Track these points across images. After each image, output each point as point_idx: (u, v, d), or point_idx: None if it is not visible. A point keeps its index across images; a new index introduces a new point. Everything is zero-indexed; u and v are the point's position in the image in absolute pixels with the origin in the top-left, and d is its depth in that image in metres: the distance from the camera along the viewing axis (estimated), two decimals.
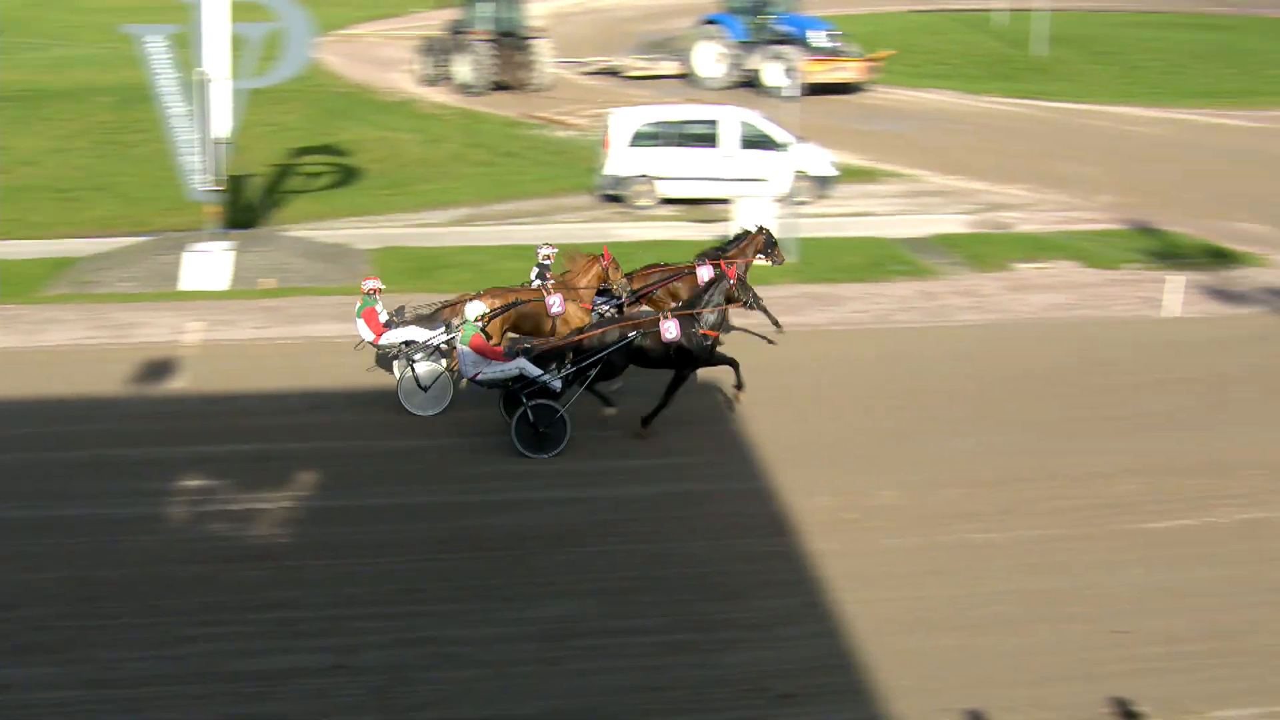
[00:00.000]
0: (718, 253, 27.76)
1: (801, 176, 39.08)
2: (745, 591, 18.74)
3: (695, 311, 24.01)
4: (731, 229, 33.82)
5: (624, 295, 26.12)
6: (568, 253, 26.71)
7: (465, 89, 56.94)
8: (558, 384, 23.36)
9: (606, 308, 26.15)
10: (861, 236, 36.89)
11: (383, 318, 25.39)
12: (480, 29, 57.41)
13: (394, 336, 25.16)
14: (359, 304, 25.39)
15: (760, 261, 28.19)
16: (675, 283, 27.18)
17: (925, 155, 46.35)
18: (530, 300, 25.59)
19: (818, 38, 57.73)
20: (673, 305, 25.62)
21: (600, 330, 24.01)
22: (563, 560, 19.56)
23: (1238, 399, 25.95)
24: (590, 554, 19.78)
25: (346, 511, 21.06)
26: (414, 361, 24.89)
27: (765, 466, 22.59)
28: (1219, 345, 28.91)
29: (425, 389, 24.82)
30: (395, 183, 43.15)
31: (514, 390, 23.43)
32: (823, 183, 40.09)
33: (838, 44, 58.31)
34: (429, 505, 21.26)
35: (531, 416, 22.97)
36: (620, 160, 39.73)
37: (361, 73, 61.78)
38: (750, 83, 57.17)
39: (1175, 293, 31.01)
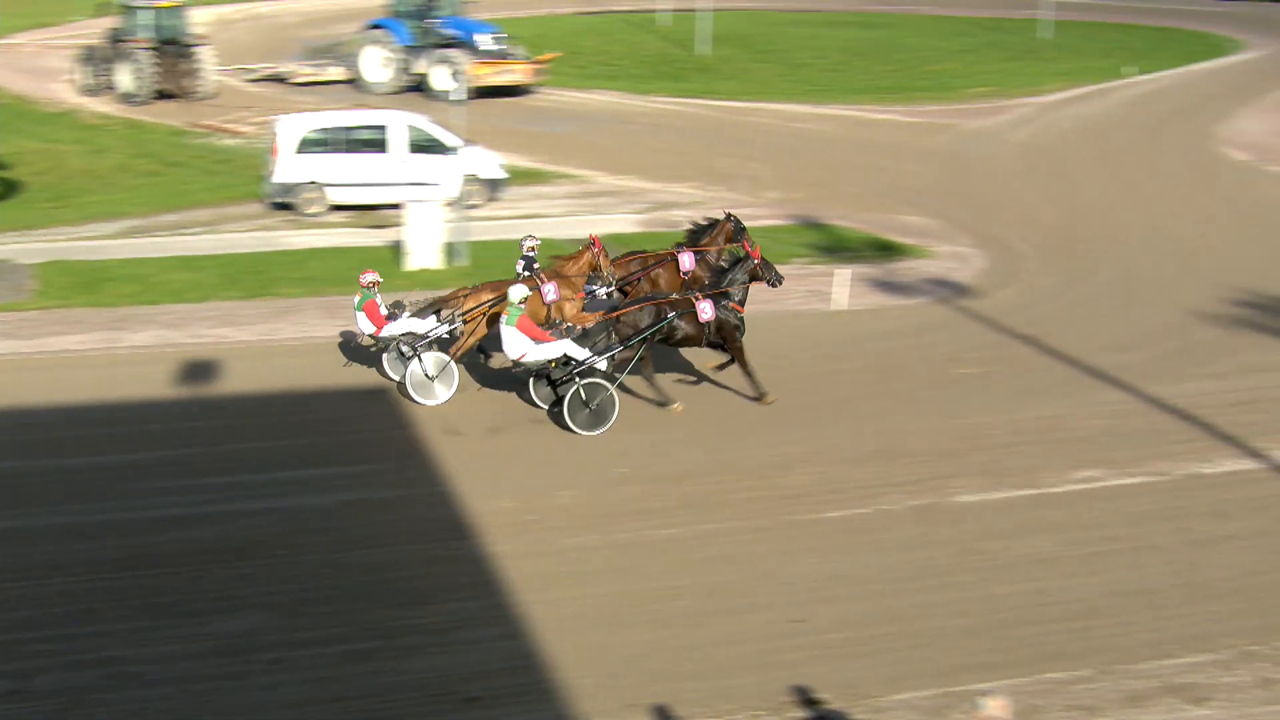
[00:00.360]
0: (692, 240, 28.79)
1: (471, 180, 38.99)
2: (428, 596, 18.61)
3: (723, 289, 25.34)
4: (404, 234, 33.66)
5: (613, 282, 27.34)
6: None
7: (127, 98, 55.75)
8: (603, 363, 24.49)
9: (603, 293, 27.50)
10: None
11: (382, 311, 26.02)
12: (141, 37, 56.24)
13: (394, 329, 25.87)
14: (358, 298, 26.01)
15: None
16: (656, 270, 28.32)
17: (595, 156, 46.64)
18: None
19: (484, 41, 57.75)
20: (649, 291, 27.47)
21: (637, 309, 25.22)
22: (242, 573, 19.20)
23: (906, 388, 26.58)
24: (270, 566, 19.44)
25: (13, 532, 20.39)
26: (420, 353, 25.61)
27: (446, 471, 22.48)
28: (886, 335, 29.58)
29: (433, 378, 25.54)
30: (59, 195, 42.01)
31: (555, 371, 24.53)
32: (493, 185, 40.10)
33: (504, 47, 58.42)
34: (100, 524, 20.66)
35: (584, 395, 24.07)
36: (288, 167, 39.18)
37: (20, 83, 60.13)
38: (418, 87, 57.00)
39: (843, 286, 31.63)
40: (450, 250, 33.86)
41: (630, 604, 18.48)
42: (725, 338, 25.46)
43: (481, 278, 31.77)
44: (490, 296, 26.04)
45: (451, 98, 38.54)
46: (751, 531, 20.56)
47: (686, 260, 28.11)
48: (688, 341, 25.55)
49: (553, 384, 24.91)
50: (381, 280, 26.39)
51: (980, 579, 19.25)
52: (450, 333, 26.07)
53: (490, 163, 40.18)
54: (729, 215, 29.27)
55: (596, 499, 21.60)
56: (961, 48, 69.65)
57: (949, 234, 37.04)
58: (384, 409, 25.26)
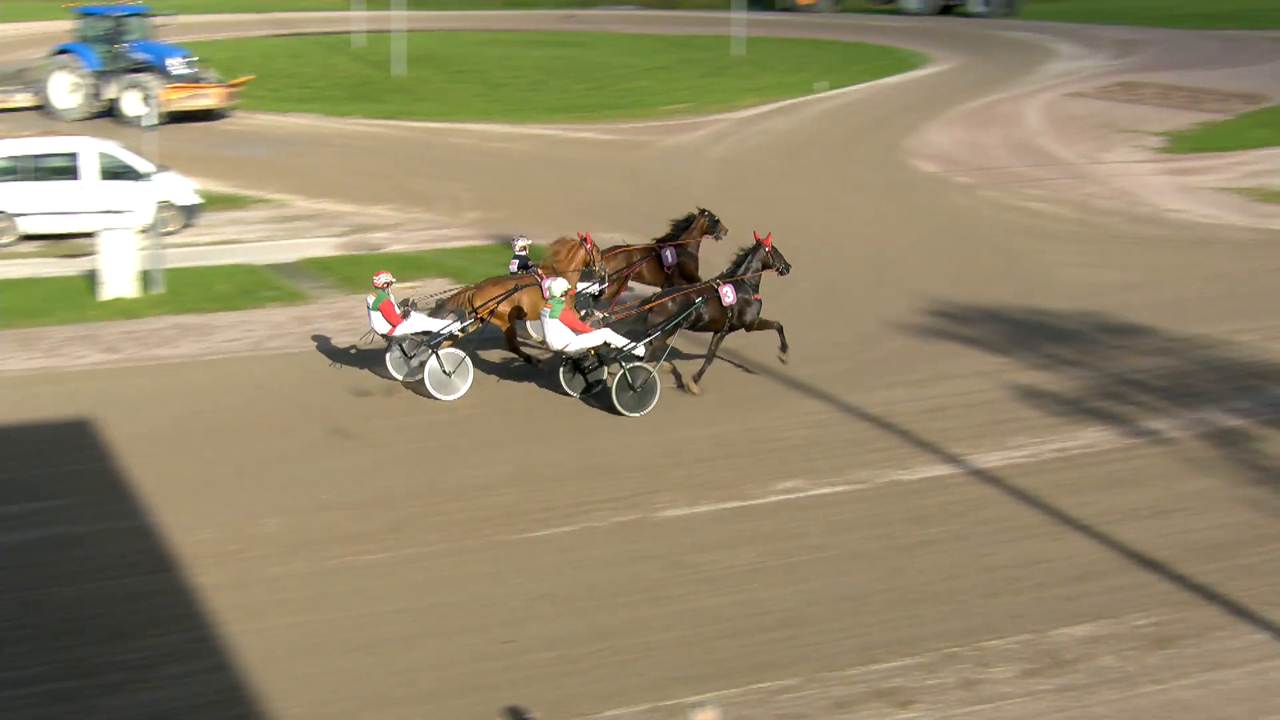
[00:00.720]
0: (671, 236, 30.79)
1: (166, 206, 38.23)
2: (132, 632, 18.20)
3: (740, 278, 27.54)
4: (98, 263, 32.92)
5: (605, 276, 29.06)
6: (555, 241, 29.25)
7: None
8: (641, 349, 26.15)
9: (595, 288, 29.21)
10: (231, 264, 36.46)
11: (397, 310, 27.13)
12: None
13: (408, 327, 27.05)
14: (373, 298, 27.21)
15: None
16: (641, 266, 30.64)
17: (292, 179, 46.14)
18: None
19: (175, 65, 56.77)
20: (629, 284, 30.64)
21: (669, 298, 27.22)
22: None
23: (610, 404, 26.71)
24: None
25: None
26: (437, 349, 26.73)
27: (146, 503, 22.02)
28: None
29: (450, 374, 26.63)
30: None
31: (595, 358, 26.37)
32: (188, 211, 39.43)
33: (196, 70, 57.49)
34: None
35: (630, 379, 25.75)
36: None
37: None
38: (109, 112, 55.81)
39: None
40: (146, 278, 33.20)
41: (339, 631, 18.30)
42: (745, 318, 27.46)
43: (179, 306, 31.34)
44: (498, 292, 27.29)
45: (143, 123, 37.85)
46: (460, 553, 20.52)
47: (669, 255, 30.37)
48: (712, 326, 27.43)
49: (583, 372, 26.71)
50: (394, 281, 27.47)
51: (688, 592, 19.42)
52: (463, 329, 27.16)
53: (184, 189, 39.52)
54: (703, 211, 31.11)
55: (301, 526, 21.35)
56: (657, 65, 70.37)
57: None
58: (83, 441, 24.64)
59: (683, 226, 30.93)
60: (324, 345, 29.99)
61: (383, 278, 27.30)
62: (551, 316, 25.76)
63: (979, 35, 79.86)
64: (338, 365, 28.61)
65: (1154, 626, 18.56)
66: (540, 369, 27.90)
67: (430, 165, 48.83)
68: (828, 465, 23.75)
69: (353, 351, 28.17)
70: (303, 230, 40.45)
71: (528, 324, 27.75)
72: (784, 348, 27.68)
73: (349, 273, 35.14)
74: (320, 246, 38.18)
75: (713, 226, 30.97)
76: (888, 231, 39.79)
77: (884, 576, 19.90)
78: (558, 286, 25.87)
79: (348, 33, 74.31)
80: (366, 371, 28.11)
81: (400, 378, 27.48)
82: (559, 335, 25.83)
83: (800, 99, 61.50)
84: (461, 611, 18.86)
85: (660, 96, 61.88)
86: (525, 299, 27.35)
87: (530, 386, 27.66)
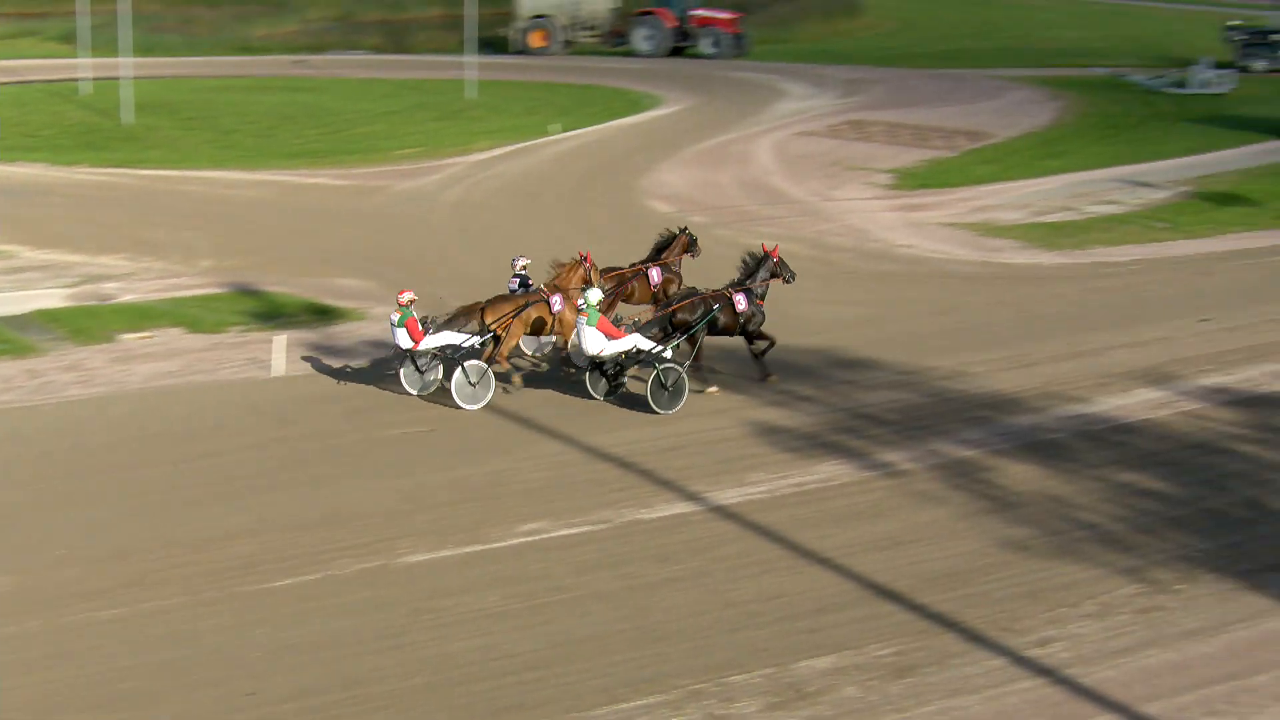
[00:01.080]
0: (655, 255, 32.60)
1: None
2: None
3: (751, 286, 29.67)
4: None
5: (604, 292, 30.28)
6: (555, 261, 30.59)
7: None
8: (668, 352, 28.58)
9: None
10: None
11: (420, 326, 28.67)
12: None
13: (432, 342, 28.72)
14: (398, 315, 28.55)
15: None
16: (633, 283, 32.24)
17: (19, 230, 45.03)
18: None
19: None
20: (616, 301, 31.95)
21: (688, 305, 29.33)
22: None
23: (349, 451, 26.56)
24: None
25: None
26: (463, 361, 28.54)
27: None
28: (327, 399, 29.49)
29: (475, 384, 28.43)
30: None
31: (616, 364, 28.55)
32: None
33: None
34: None
35: (664, 380, 28.08)
36: None
37: None
38: None
39: (280, 352, 31.41)
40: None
41: (77, 690, 17.97)
42: (751, 326, 29.67)
43: None
44: (508, 309, 29.13)
45: None
46: (199, 606, 20.23)
47: (655, 274, 32.14)
48: (725, 330, 29.60)
49: (607, 377, 28.78)
50: (417, 298, 28.80)
51: (432, 638, 19.39)
52: (483, 343, 28.95)
53: None
54: (684, 229, 33.03)
55: (35, 583, 20.90)
56: (390, 109, 69.97)
57: (384, 295, 37.09)
58: None
59: (664, 245, 32.69)
60: (56, 397, 29.39)
61: (406, 296, 28.65)
62: (589, 324, 27.97)
63: (710, 76, 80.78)
64: (73, 418, 28.09)
65: (895, 656, 18.94)
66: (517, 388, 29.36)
67: (162, 214, 48.02)
68: (570, 506, 23.85)
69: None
70: (31, 281, 39.52)
71: (533, 337, 30.64)
72: (763, 354, 30.01)
73: (81, 324, 34.40)
74: (50, 298, 37.34)
75: (692, 245, 32.75)
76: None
77: (628, 615, 20.04)
78: (593, 296, 28.30)
79: (75, 80, 72.89)
80: (97, 425, 27.63)
81: (415, 392, 29.14)
82: (594, 341, 28.05)
83: (535, 141, 61.66)
84: (202, 665, 18.61)
85: (394, 141, 61.59)
86: (535, 315, 29.45)
87: (269, 435, 27.39)
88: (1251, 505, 23.72)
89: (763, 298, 29.89)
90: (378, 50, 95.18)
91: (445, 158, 57.90)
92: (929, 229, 44.78)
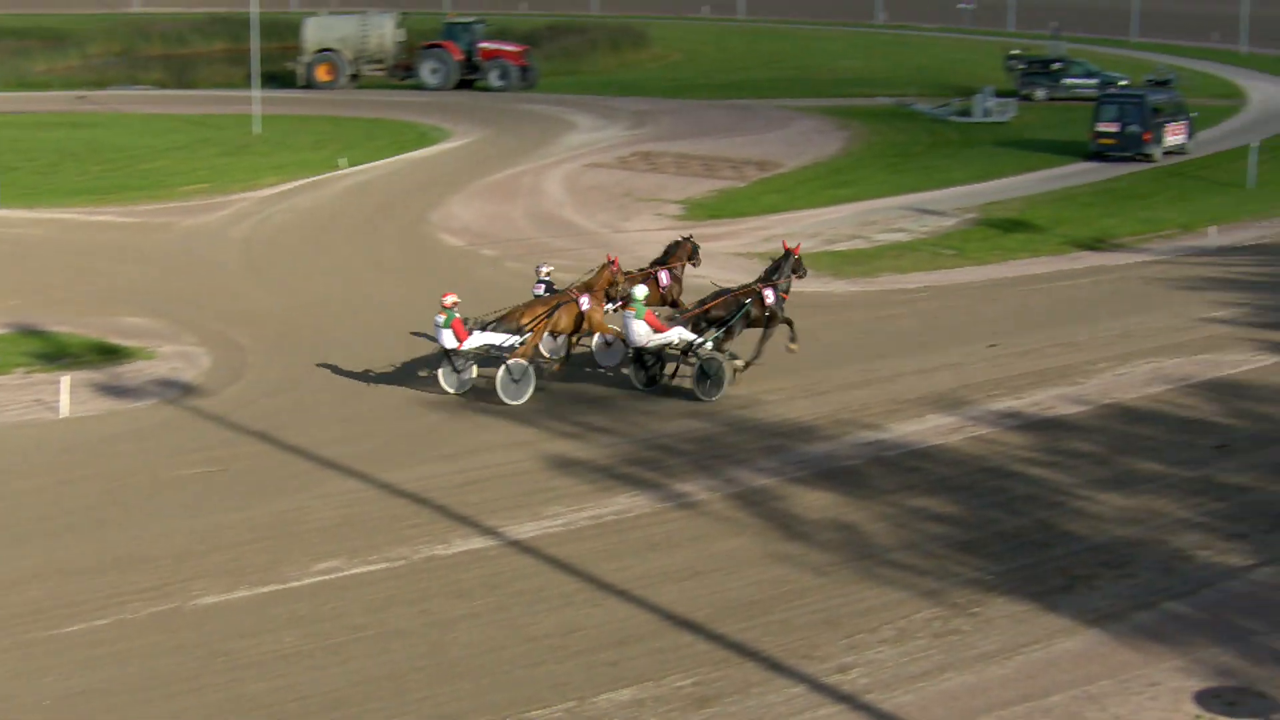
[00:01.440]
0: (662, 259, 35.13)
1: None
2: None
3: (776, 281, 32.51)
4: None
5: (625, 294, 32.28)
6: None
7: None
8: (709, 344, 31.15)
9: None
10: None
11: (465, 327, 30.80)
12: None
13: (475, 342, 30.90)
14: (444, 317, 30.62)
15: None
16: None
17: None
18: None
19: None
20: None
21: (722, 302, 31.99)
22: None
23: (139, 493, 26.13)
24: None
25: None
26: (507, 360, 30.66)
27: None
28: (115, 440, 29.02)
29: (518, 380, 30.59)
30: None
31: (669, 352, 31.34)
32: None
33: None
34: None
35: (706, 369, 30.64)
36: None
37: None
38: None
39: (65, 393, 30.78)
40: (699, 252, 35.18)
41: None
42: (770, 320, 32.28)
43: None
44: (541, 310, 31.60)
45: None
46: None
47: (664, 276, 34.49)
48: (754, 323, 32.16)
49: (646, 368, 31.45)
50: (460, 301, 30.86)
51: (228, 680, 19.11)
52: (522, 343, 31.08)
53: None
54: (688, 237, 35.87)
55: None
56: (174, 144, 69.08)
57: (173, 333, 36.65)
58: None
59: (670, 251, 35.27)
60: None
61: (450, 298, 30.84)
62: (636, 317, 30.79)
63: (498, 109, 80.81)
64: None
65: (695, 686, 18.97)
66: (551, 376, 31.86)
67: None
68: (365, 543, 23.62)
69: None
70: None
71: (552, 338, 32.95)
72: (753, 358, 32.08)
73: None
74: None
75: (695, 253, 35.36)
76: (417, 306, 39.81)
77: (425, 653, 19.89)
78: (639, 292, 31.27)
79: None
80: None
81: (453, 391, 31.30)
82: (640, 333, 30.83)
83: (323, 176, 61.19)
84: None
85: (179, 177, 60.76)
86: (565, 315, 31.91)
87: (56, 478, 26.84)
88: (1043, 527, 24.09)
89: (787, 291, 32.75)
90: (161, 85, 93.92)
91: (232, 193, 57.26)
92: (720, 259, 45.01)
